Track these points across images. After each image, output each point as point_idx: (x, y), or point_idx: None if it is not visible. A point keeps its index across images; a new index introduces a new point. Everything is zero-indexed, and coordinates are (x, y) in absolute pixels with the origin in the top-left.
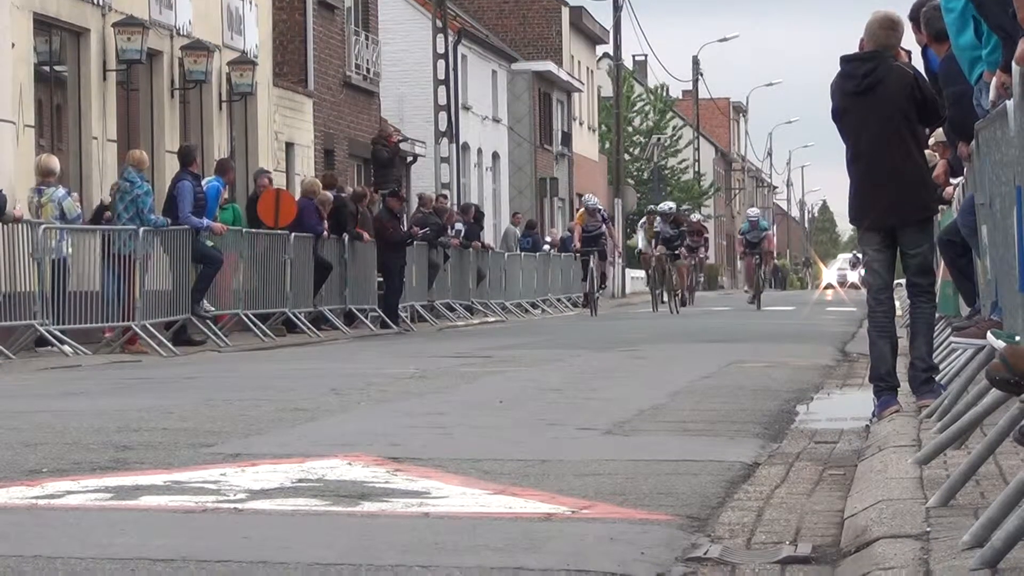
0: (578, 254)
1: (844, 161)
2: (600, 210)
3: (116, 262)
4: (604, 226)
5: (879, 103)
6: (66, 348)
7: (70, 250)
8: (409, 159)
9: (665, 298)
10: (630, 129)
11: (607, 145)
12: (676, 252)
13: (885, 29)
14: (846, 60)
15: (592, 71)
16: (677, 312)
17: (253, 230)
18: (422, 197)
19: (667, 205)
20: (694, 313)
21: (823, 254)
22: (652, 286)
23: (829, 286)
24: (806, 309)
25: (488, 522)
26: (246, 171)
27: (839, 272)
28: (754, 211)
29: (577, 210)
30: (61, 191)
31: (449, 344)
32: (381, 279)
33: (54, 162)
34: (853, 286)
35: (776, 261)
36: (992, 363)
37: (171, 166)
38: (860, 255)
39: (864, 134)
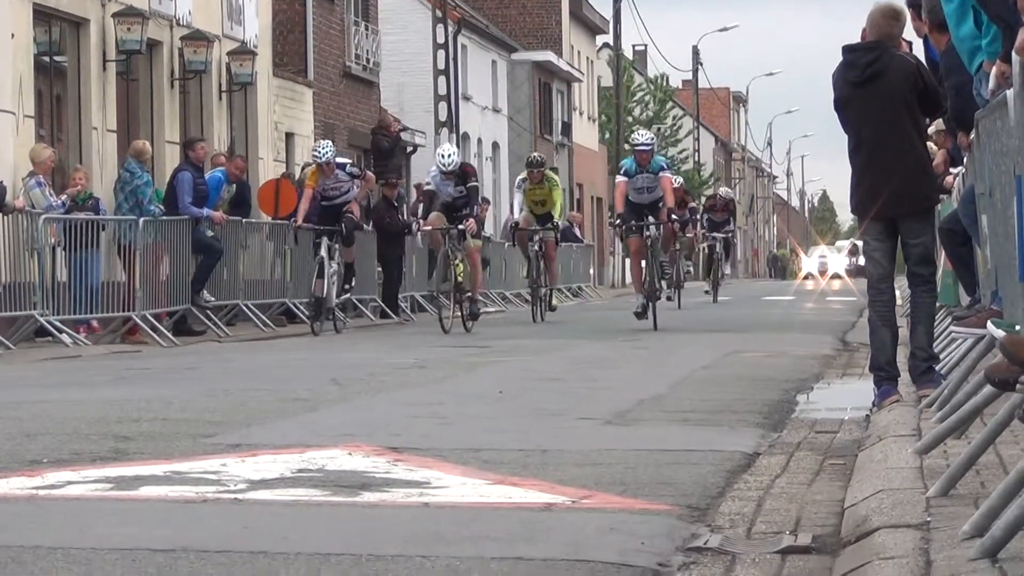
0: (310, 234)
1: (845, 151)
2: (346, 163)
3: (85, 251)
4: (355, 184)
5: (881, 93)
6: (65, 338)
7: (52, 240)
8: (409, 149)
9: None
10: (630, 119)
11: (607, 135)
12: (461, 226)
13: (887, 19)
14: (848, 50)
15: (592, 61)
16: (466, 328)
17: (254, 220)
18: (419, 187)
19: (447, 148)
20: (693, 305)
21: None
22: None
23: (809, 275)
24: (784, 302)
25: (488, 512)
26: (246, 160)
27: (820, 260)
28: (645, 135)
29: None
30: (32, 181)
31: (449, 334)
32: (380, 269)
33: (36, 152)
34: (836, 276)
35: (777, 251)
36: (991, 364)
37: (171, 156)
38: (860, 244)
39: (866, 124)
